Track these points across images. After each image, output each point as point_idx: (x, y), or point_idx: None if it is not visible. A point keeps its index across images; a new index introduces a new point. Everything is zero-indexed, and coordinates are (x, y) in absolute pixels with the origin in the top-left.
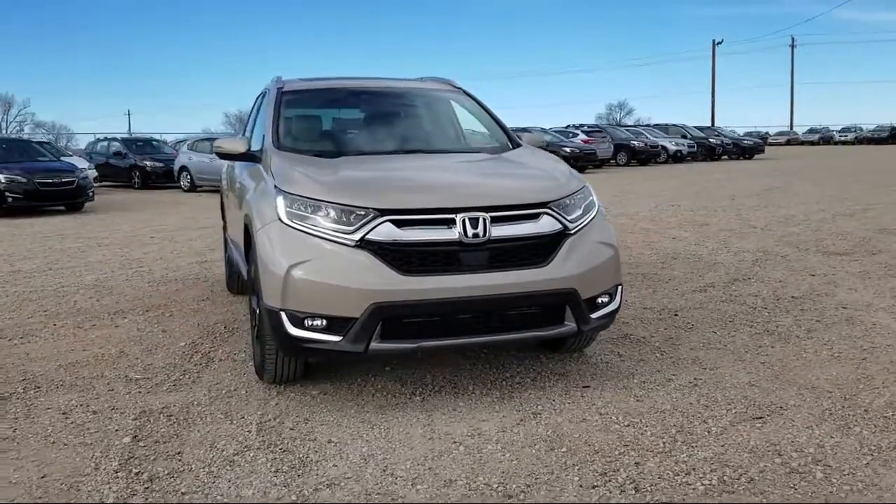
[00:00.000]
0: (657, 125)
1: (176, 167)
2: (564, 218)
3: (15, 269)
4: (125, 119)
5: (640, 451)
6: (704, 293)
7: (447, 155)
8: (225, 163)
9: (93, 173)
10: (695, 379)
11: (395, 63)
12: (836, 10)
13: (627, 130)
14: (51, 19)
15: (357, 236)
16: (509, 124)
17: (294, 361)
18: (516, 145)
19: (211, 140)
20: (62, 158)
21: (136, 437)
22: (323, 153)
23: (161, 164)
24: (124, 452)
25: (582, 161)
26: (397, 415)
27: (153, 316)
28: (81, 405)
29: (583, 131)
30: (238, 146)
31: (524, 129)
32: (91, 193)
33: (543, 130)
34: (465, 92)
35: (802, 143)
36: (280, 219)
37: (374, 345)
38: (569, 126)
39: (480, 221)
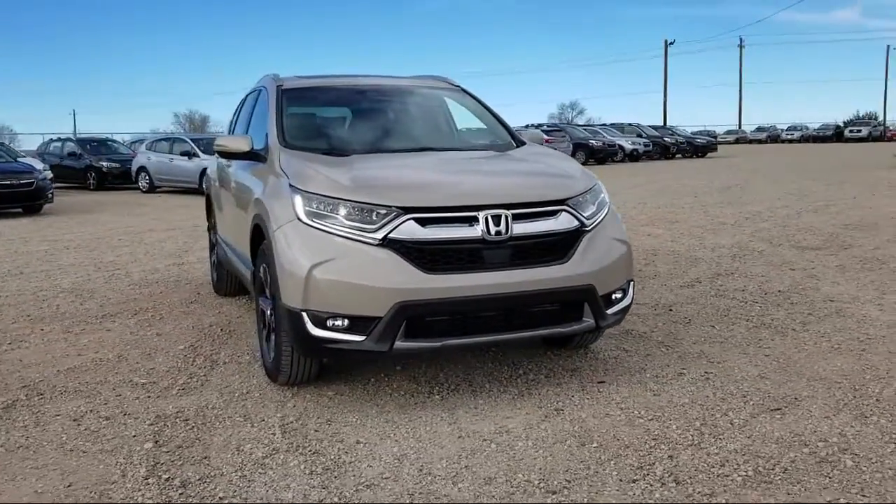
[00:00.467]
0: (613, 124)
1: (134, 168)
2: (581, 215)
3: None
4: (70, 119)
5: (670, 445)
6: (692, 288)
7: (459, 153)
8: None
9: (49, 174)
10: (705, 372)
11: (344, 62)
12: (784, 11)
13: (585, 130)
14: None
15: (380, 235)
16: None
17: (310, 362)
18: (520, 143)
19: (170, 140)
20: (18, 160)
21: (157, 442)
22: (331, 151)
23: (118, 165)
24: (149, 458)
25: None
26: (420, 414)
27: (143, 319)
28: (91, 411)
29: (542, 131)
30: (240, 145)
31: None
32: (50, 195)
33: None
34: (463, 90)
35: (751, 141)
36: (299, 218)
37: (398, 344)
38: (528, 126)
39: (503, 219)
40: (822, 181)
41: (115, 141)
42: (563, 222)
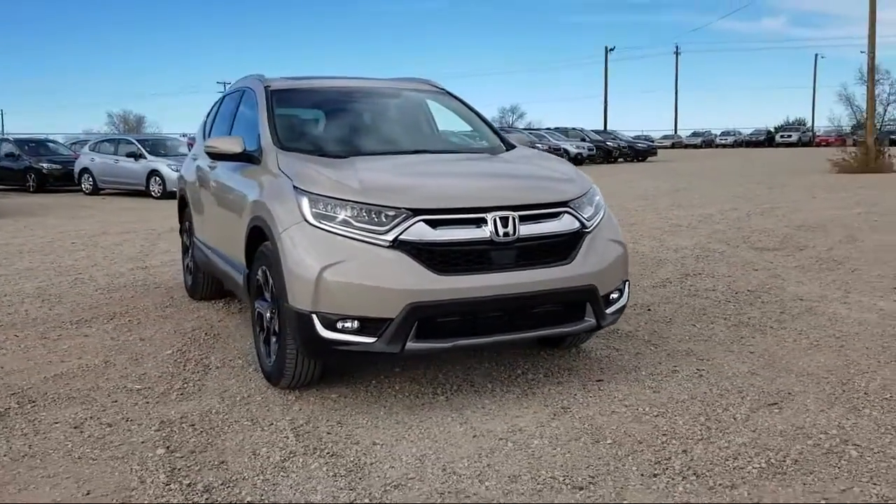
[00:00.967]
0: (557, 129)
1: (76, 169)
2: (582, 216)
3: None
4: None
5: (681, 440)
6: (664, 288)
7: (455, 155)
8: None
9: None
10: (697, 369)
11: (281, 62)
12: (720, 20)
13: (531, 133)
14: None
15: (390, 237)
16: None
17: (314, 365)
18: (509, 146)
19: (115, 141)
20: None
21: (168, 448)
22: (328, 153)
23: (58, 167)
24: (165, 464)
25: None
26: (430, 414)
27: (120, 324)
28: (91, 418)
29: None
30: (233, 146)
31: None
32: None
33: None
34: (448, 92)
35: (686, 146)
36: (306, 220)
37: (409, 345)
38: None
39: (510, 220)
40: (762, 185)
41: (54, 141)
42: (565, 224)
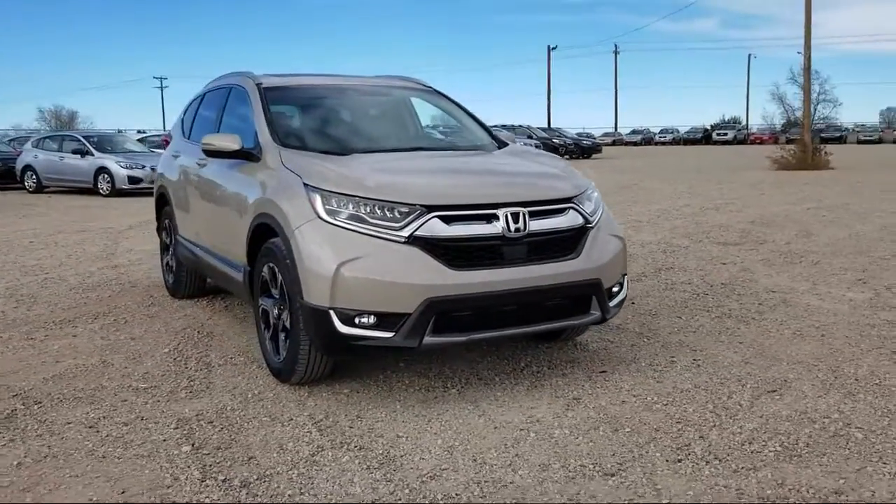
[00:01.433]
0: (504, 126)
1: (19, 166)
2: (585, 212)
3: None
4: None
5: (695, 427)
6: (641, 283)
7: (455, 152)
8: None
9: None
10: (693, 360)
11: (214, 56)
12: (654, 20)
13: None
14: None
15: (406, 232)
16: None
17: (326, 361)
18: (501, 143)
19: (59, 137)
20: None
21: (194, 445)
22: (328, 150)
23: None
24: (194, 461)
25: None
26: (445, 407)
27: (106, 324)
28: (104, 417)
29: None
30: (230, 143)
31: None
32: None
33: None
34: (437, 91)
35: (626, 143)
36: (319, 216)
37: (427, 339)
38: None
39: (521, 216)
40: (709, 181)
41: None
42: (571, 219)
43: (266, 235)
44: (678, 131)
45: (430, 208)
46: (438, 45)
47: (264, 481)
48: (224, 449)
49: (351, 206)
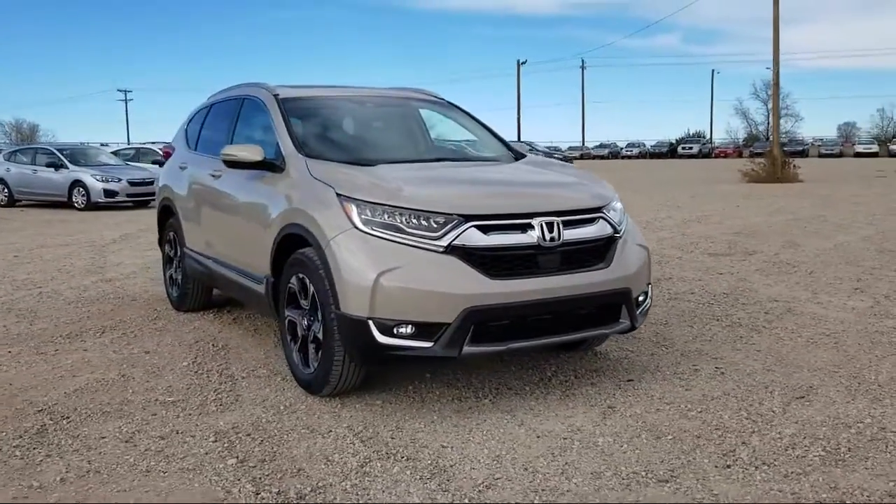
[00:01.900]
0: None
1: None
2: (613, 221)
3: None
4: None
5: (735, 433)
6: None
7: (480, 163)
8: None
9: None
10: (716, 368)
11: (177, 69)
12: (627, 37)
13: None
14: None
15: (445, 242)
16: None
17: (359, 372)
18: (518, 154)
19: (32, 151)
20: None
21: (238, 458)
22: (353, 161)
23: None
24: (242, 474)
25: None
26: (483, 417)
27: (115, 338)
28: (139, 431)
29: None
30: (253, 154)
31: None
32: None
33: None
34: (451, 103)
35: (594, 157)
36: (355, 226)
37: (466, 348)
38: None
39: (555, 225)
40: (683, 193)
41: None
42: (601, 229)
43: (294, 246)
44: (644, 145)
45: (467, 218)
46: (407, 58)
47: (319, 493)
48: (269, 461)
49: (387, 216)
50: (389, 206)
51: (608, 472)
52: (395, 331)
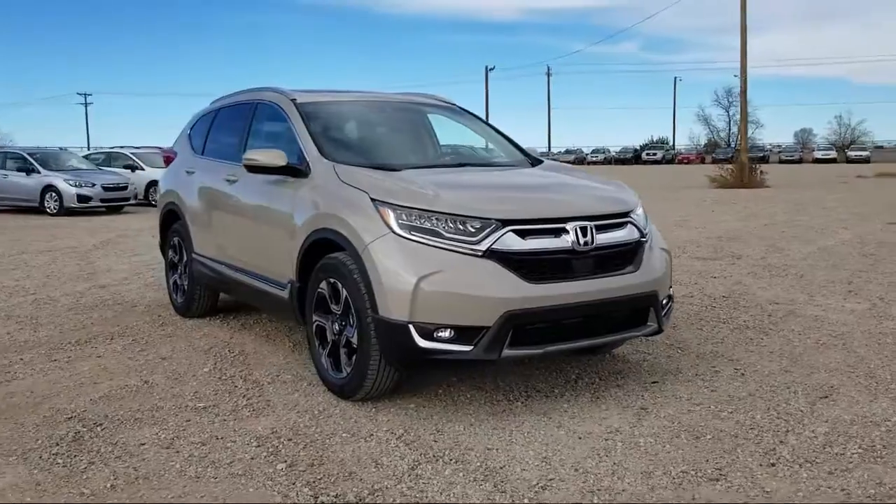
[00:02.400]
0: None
1: None
2: (640, 226)
3: None
4: None
5: (771, 432)
6: None
7: (505, 168)
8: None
9: None
10: (735, 369)
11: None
12: (594, 45)
13: None
14: None
15: (483, 246)
16: None
17: (393, 376)
18: (535, 160)
19: (0, 155)
20: None
21: (287, 463)
22: (378, 166)
23: None
24: (295, 479)
25: None
26: (520, 419)
27: (126, 344)
28: (177, 437)
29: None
30: (276, 159)
31: None
32: None
33: None
34: (464, 109)
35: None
36: (393, 231)
37: (505, 352)
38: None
39: (588, 230)
40: (654, 199)
41: None
42: (630, 233)
43: (322, 251)
44: (609, 151)
45: (504, 222)
46: (374, 65)
47: (377, 495)
48: (318, 465)
49: (424, 221)
50: (426, 210)
51: (658, 471)
52: (435, 335)
